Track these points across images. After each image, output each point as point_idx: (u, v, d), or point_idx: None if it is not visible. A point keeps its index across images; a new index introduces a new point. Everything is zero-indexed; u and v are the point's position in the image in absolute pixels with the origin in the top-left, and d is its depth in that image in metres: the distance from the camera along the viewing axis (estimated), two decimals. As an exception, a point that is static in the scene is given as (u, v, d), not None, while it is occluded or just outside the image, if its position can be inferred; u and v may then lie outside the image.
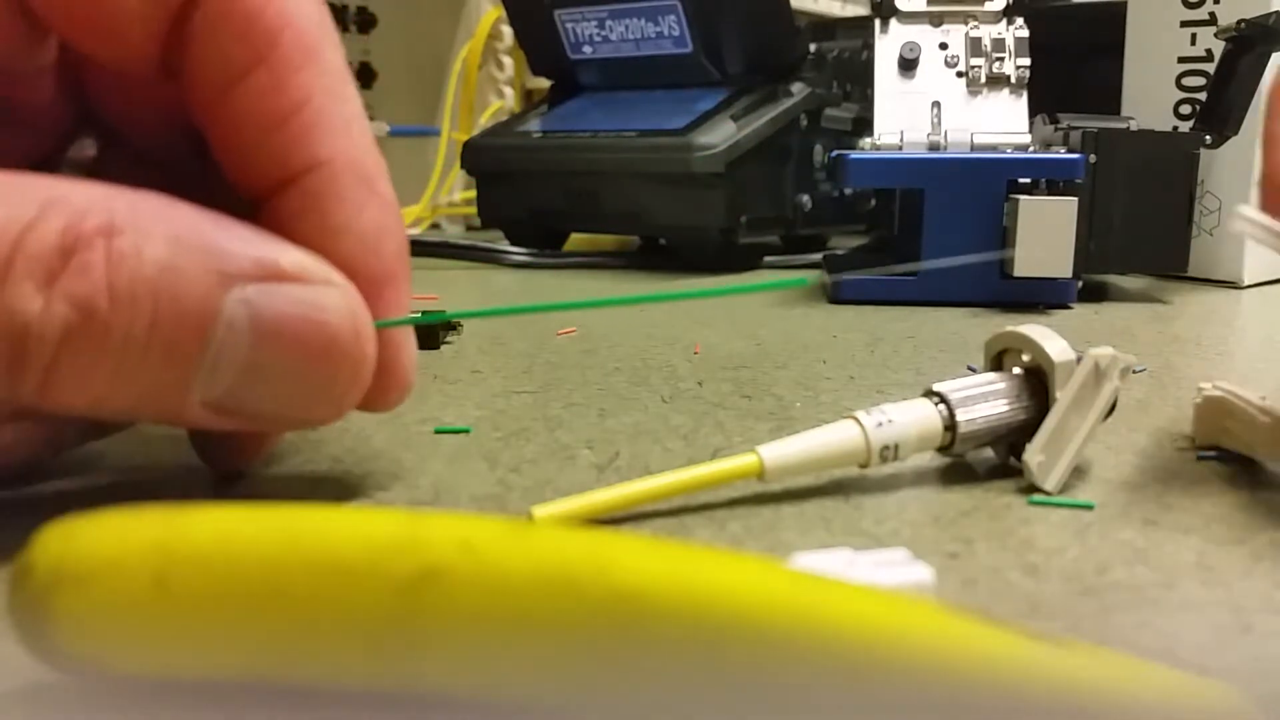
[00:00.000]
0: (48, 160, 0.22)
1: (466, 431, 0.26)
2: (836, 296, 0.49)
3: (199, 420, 0.17)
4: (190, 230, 0.16)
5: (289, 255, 0.17)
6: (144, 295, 0.15)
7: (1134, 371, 0.33)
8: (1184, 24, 0.57)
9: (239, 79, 0.19)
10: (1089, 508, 0.21)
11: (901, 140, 0.50)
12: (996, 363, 0.24)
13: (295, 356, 0.17)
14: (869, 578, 0.15)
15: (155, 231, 0.16)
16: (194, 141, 0.23)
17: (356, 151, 0.19)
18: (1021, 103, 0.51)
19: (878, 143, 0.51)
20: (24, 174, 0.15)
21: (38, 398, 0.16)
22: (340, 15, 0.91)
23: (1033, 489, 0.21)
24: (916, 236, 0.48)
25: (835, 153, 0.52)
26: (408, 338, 0.20)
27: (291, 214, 0.19)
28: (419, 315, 0.20)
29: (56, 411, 0.16)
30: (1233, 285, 0.56)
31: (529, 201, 0.66)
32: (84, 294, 0.15)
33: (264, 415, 0.18)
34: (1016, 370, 0.23)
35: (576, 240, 0.74)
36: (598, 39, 0.67)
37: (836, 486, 0.22)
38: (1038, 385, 0.22)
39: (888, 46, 0.52)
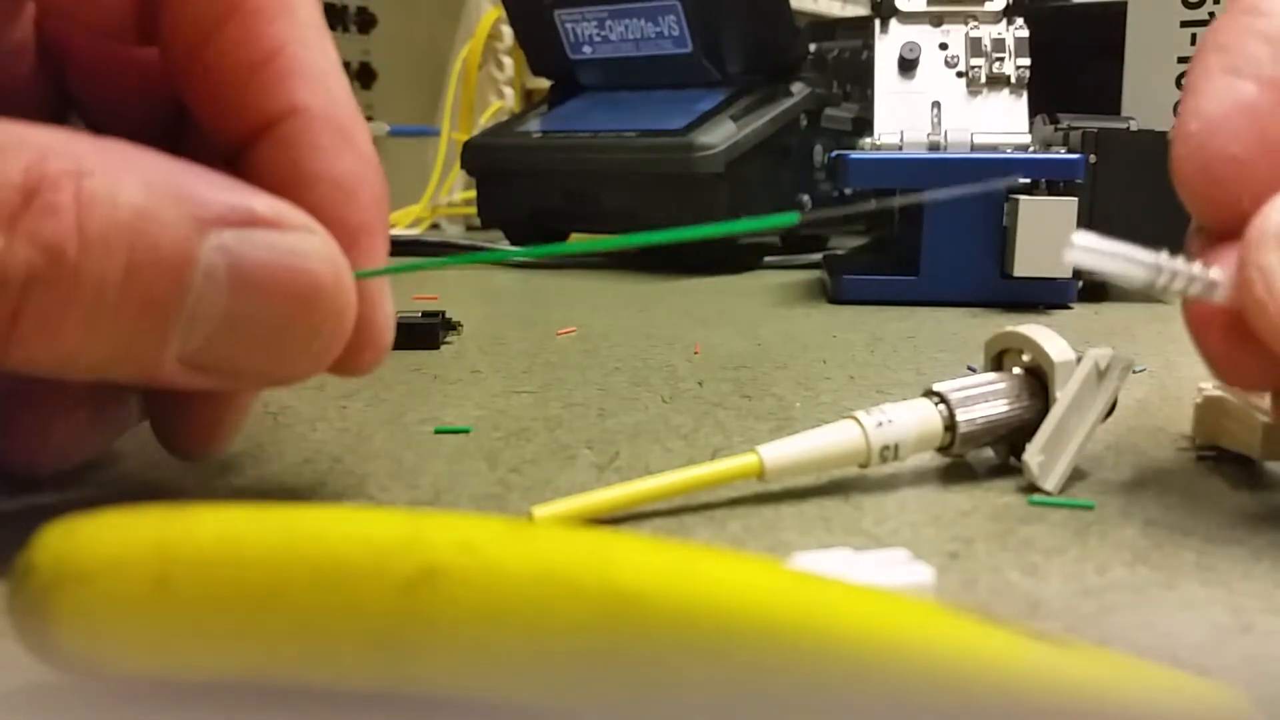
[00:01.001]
0: None
1: (466, 431, 0.26)
2: (837, 296, 0.49)
3: (175, 378, 0.16)
4: (163, 175, 0.16)
5: (263, 200, 0.16)
6: (118, 240, 0.15)
7: (1134, 371, 0.33)
8: (1184, 24, 0.57)
9: (212, 32, 0.18)
10: (1089, 508, 0.21)
11: (901, 140, 0.50)
12: (996, 363, 0.24)
13: (276, 306, 0.16)
14: (869, 578, 0.15)
15: (127, 175, 0.15)
16: (170, 125, 0.22)
17: (331, 101, 0.19)
18: (1021, 103, 0.51)
19: (878, 143, 0.51)
20: None
21: (2, 351, 0.15)
22: (340, 15, 0.91)
23: (1033, 489, 0.21)
24: (916, 237, 0.48)
25: (835, 153, 0.52)
26: (383, 295, 0.20)
27: (266, 163, 0.19)
28: (396, 266, 0.19)
29: (24, 369, 0.15)
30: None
31: (529, 201, 0.66)
32: (51, 236, 0.14)
33: (242, 370, 0.17)
34: (1016, 370, 0.23)
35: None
36: (598, 39, 0.68)
37: (836, 486, 0.22)
38: (1038, 385, 0.22)
39: (888, 46, 0.52)
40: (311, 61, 0.19)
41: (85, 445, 0.21)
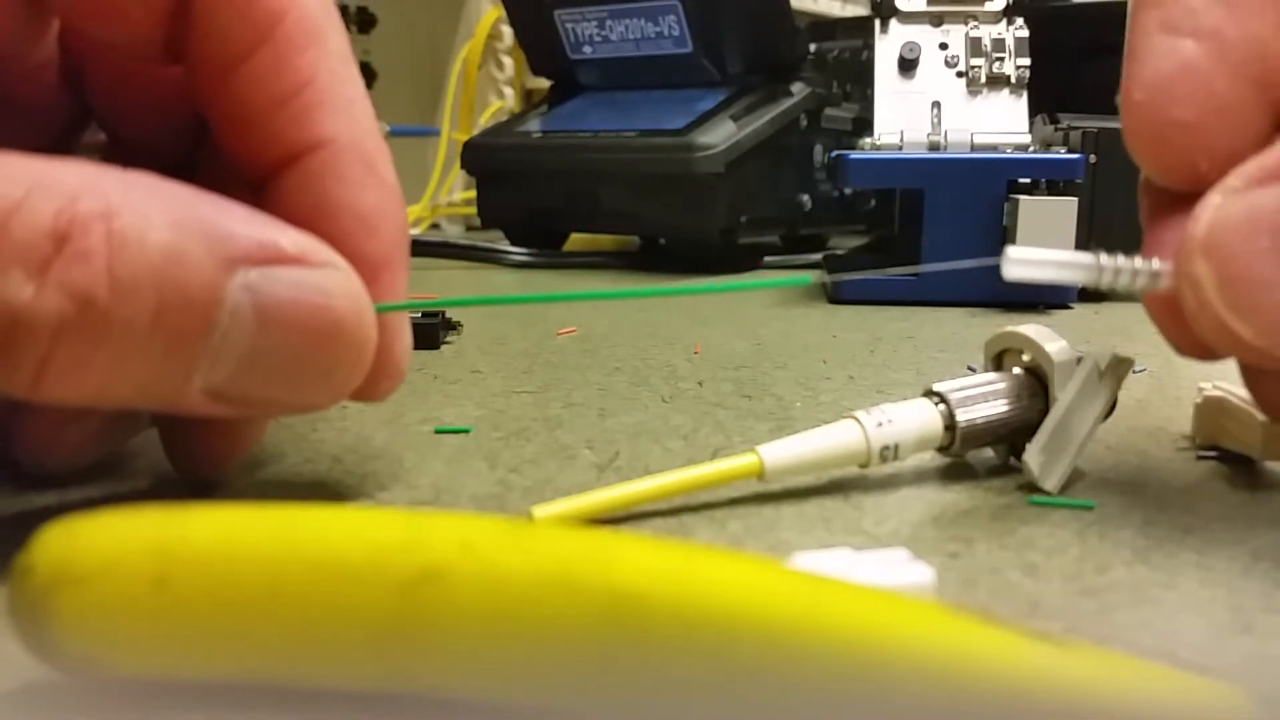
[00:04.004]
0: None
1: (466, 431, 0.26)
2: (836, 296, 0.49)
3: (198, 407, 0.17)
4: (190, 212, 0.16)
5: (289, 236, 0.17)
6: (147, 283, 0.15)
7: (1134, 371, 0.33)
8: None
9: (242, 60, 0.18)
10: (1089, 508, 0.21)
11: (901, 140, 0.50)
12: (997, 363, 0.24)
13: (299, 342, 0.17)
14: (869, 578, 0.15)
15: (155, 214, 0.15)
16: (190, 138, 0.23)
17: (358, 133, 0.19)
18: (1021, 103, 0.51)
19: (878, 143, 0.51)
20: (8, 153, 0.15)
21: (32, 391, 0.15)
22: (340, 15, 0.91)
23: (1033, 489, 0.21)
24: (916, 236, 0.48)
25: (835, 153, 0.52)
26: (403, 325, 0.20)
27: (291, 194, 0.19)
28: (416, 303, 0.20)
29: (52, 404, 0.16)
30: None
31: (529, 201, 0.66)
32: (82, 283, 0.14)
33: (264, 401, 0.17)
34: (1016, 370, 0.23)
35: (576, 240, 0.74)
36: (598, 39, 0.68)
37: (836, 486, 0.22)
38: (1038, 385, 0.22)
39: (888, 46, 0.52)
40: (340, 93, 0.19)
41: (98, 445, 0.22)
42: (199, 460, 0.21)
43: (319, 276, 0.17)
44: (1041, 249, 0.17)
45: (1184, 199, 0.18)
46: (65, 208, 0.14)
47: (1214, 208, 0.17)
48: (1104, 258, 0.17)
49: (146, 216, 0.15)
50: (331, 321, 0.17)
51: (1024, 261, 0.17)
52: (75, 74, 0.22)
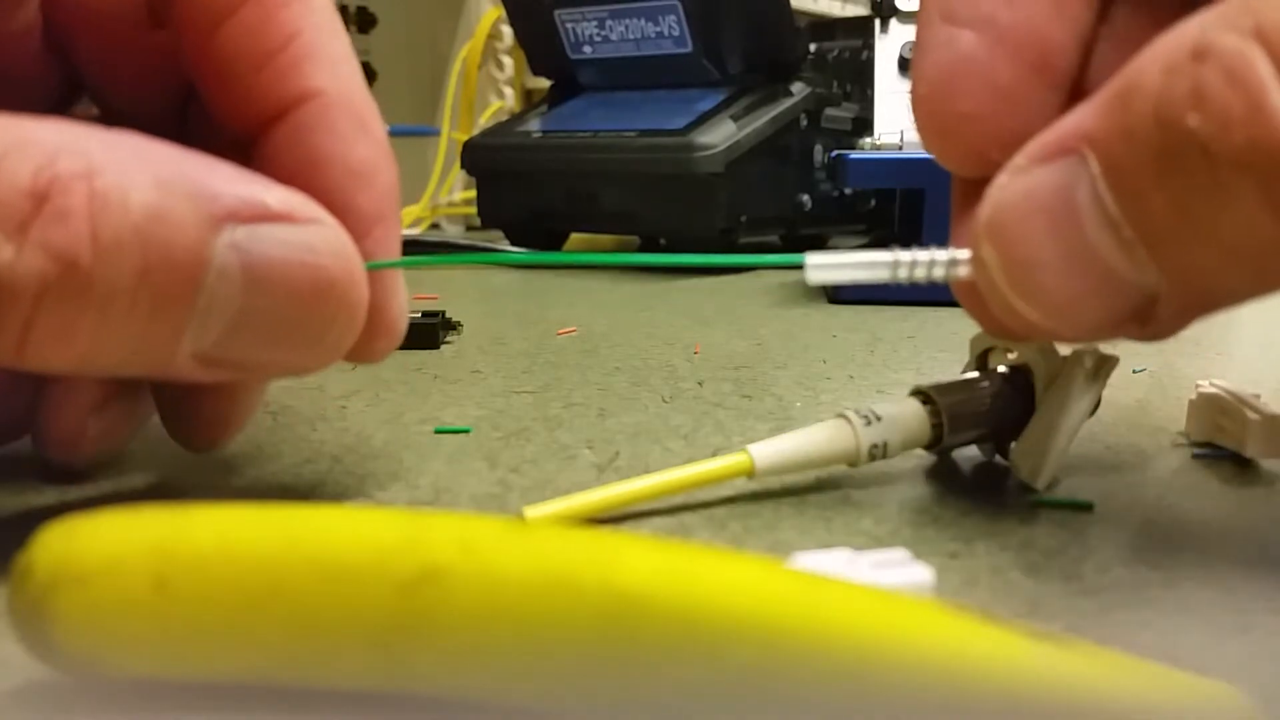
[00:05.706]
0: None
1: (466, 431, 0.26)
2: (836, 296, 0.49)
3: (188, 372, 0.16)
4: (174, 170, 0.15)
5: (275, 193, 0.16)
6: (131, 244, 0.14)
7: (1134, 371, 0.33)
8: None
9: (225, 17, 0.18)
10: (1089, 508, 0.21)
11: (901, 140, 0.50)
12: (981, 360, 0.24)
13: (289, 301, 0.16)
14: (869, 578, 0.15)
15: (138, 173, 0.15)
16: (178, 104, 0.22)
17: (347, 87, 0.19)
18: (1021, 103, 0.51)
19: (878, 143, 0.51)
20: None
21: (16, 356, 0.15)
22: (340, 15, 0.91)
23: (1032, 489, 0.21)
24: (916, 237, 0.48)
25: (835, 153, 0.52)
26: (396, 283, 0.20)
27: (280, 150, 0.19)
28: (407, 260, 0.19)
29: (37, 370, 0.15)
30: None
31: (529, 201, 0.66)
32: (63, 244, 0.14)
33: (256, 364, 0.17)
34: (1002, 368, 0.23)
35: (576, 240, 0.74)
36: (598, 39, 0.68)
37: (836, 486, 0.22)
38: (1023, 382, 0.22)
39: (888, 46, 0.52)
40: (326, 47, 0.19)
41: (120, 436, 0.22)
42: (197, 430, 0.21)
43: (307, 233, 0.16)
44: (839, 253, 0.17)
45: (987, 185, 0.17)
46: (44, 166, 0.14)
47: (997, 189, 0.16)
48: (902, 253, 0.17)
49: (129, 175, 0.15)
50: (322, 280, 0.17)
51: (823, 265, 0.17)
52: (61, 44, 0.21)
